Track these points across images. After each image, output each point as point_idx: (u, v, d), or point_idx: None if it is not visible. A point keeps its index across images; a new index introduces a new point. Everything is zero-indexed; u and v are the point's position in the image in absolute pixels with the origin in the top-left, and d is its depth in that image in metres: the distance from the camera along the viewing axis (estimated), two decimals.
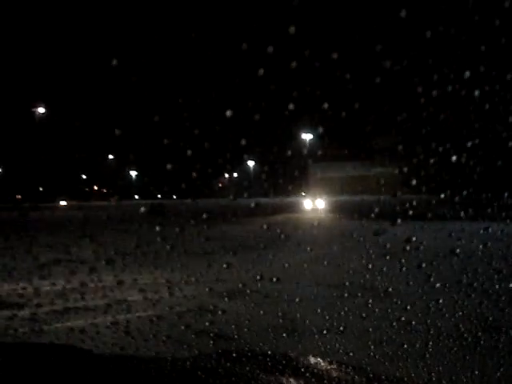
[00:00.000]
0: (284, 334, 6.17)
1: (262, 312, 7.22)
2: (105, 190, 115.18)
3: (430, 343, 5.50)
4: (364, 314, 6.81)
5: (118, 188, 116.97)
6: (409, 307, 6.98)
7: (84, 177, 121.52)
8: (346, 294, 8.19)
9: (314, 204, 38.64)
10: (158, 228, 20.48)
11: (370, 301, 7.65)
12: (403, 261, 9.01)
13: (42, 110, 72.41)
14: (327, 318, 6.81)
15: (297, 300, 7.77)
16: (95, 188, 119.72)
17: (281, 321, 6.76)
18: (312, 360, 2.01)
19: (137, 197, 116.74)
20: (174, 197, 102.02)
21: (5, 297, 8.46)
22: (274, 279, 9.16)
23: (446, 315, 6.42)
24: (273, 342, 5.85)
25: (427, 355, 5.17)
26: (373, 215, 11.54)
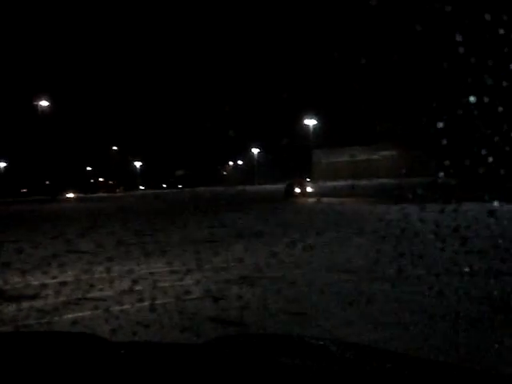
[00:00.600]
0: (294, 318, 6.22)
1: (271, 297, 7.27)
2: (110, 182, 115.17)
3: None
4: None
5: (123, 179, 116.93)
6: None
7: (89, 169, 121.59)
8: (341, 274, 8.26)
9: (302, 189, 39.08)
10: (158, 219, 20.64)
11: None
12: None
13: (44, 102, 72.25)
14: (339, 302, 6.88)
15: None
16: (101, 179, 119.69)
17: (290, 305, 6.80)
18: (319, 341, 2.04)
19: (142, 187, 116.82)
20: (180, 186, 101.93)
21: (17, 288, 8.52)
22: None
23: None
24: (283, 327, 5.90)
25: None
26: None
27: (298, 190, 39.84)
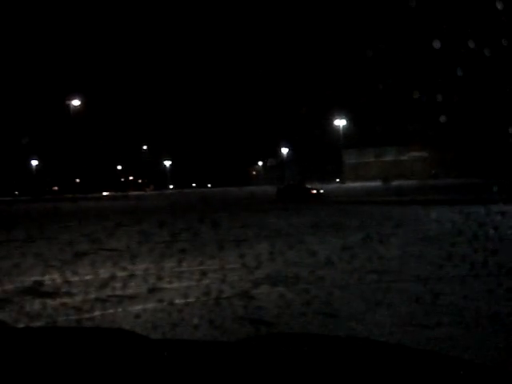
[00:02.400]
0: (323, 319, 6.21)
1: (300, 297, 7.26)
2: (140, 180, 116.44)
3: None
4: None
5: (152, 178, 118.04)
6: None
7: (119, 167, 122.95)
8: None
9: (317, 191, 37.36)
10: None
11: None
12: None
13: (76, 102, 73.06)
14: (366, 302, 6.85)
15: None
16: (131, 178, 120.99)
17: (320, 305, 6.79)
18: (353, 341, 2.05)
19: (171, 186, 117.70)
20: (209, 185, 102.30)
21: (52, 284, 8.63)
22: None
23: None
24: (312, 327, 5.89)
25: None
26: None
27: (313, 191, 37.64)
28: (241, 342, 1.96)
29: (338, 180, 75.15)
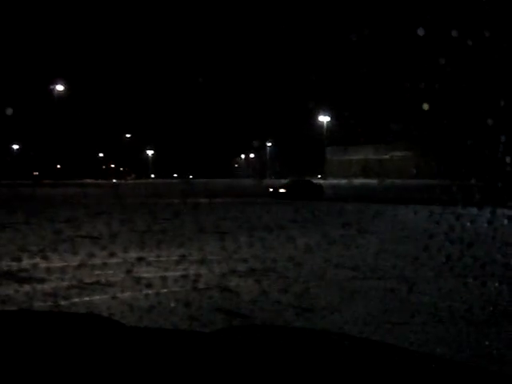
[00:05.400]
0: (297, 312, 6.24)
1: (276, 290, 7.30)
2: (121, 169, 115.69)
3: None
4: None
5: (134, 167, 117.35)
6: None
7: (101, 155, 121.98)
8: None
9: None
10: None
11: None
12: None
13: (60, 87, 72.36)
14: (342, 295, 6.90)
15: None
16: (112, 166, 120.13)
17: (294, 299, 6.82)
18: (319, 333, 2.06)
19: (153, 175, 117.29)
20: (190, 176, 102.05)
21: (29, 270, 8.59)
22: None
23: None
24: (286, 320, 5.93)
25: None
26: None
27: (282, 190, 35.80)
28: (217, 332, 1.97)
29: (319, 176, 75.30)
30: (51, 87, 71.65)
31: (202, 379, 1.35)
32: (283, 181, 40.83)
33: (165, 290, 7.12)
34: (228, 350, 1.62)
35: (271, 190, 37.07)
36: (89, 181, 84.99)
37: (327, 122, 73.05)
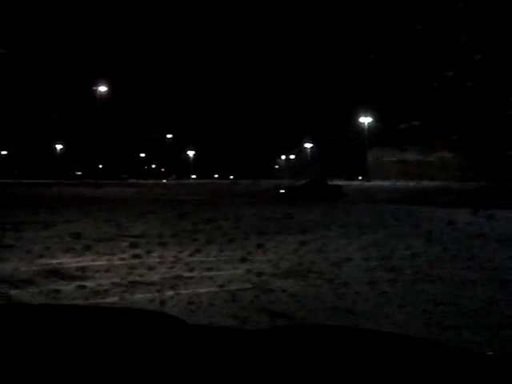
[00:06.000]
0: (339, 312, 6.19)
1: (317, 291, 7.25)
2: (163, 169, 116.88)
3: None
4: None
5: (176, 167, 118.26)
6: None
7: (143, 155, 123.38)
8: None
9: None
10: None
11: None
12: None
13: (103, 88, 73.37)
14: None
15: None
16: (153, 166, 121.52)
17: (336, 299, 6.77)
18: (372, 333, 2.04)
19: (194, 176, 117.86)
20: (231, 177, 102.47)
21: (68, 269, 8.69)
22: None
23: None
24: (328, 320, 5.88)
25: None
26: None
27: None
28: (269, 330, 1.96)
29: (360, 178, 74.81)
30: (94, 88, 72.71)
31: (257, 377, 1.35)
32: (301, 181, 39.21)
33: None
34: (287, 348, 1.62)
35: (282, 190, 35.31)
36: (131, 181, 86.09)
37: (368, 122, 72.53)
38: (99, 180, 68.86)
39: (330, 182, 38.79)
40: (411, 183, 45.18)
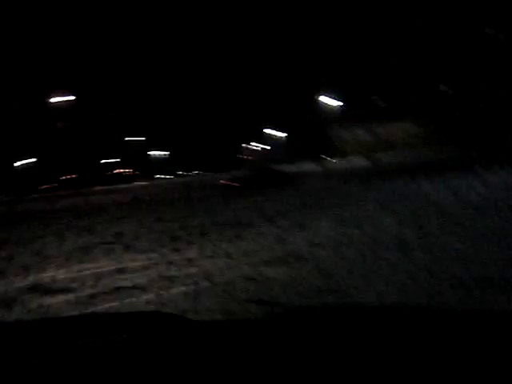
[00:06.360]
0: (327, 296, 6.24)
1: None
2: (131, 172, 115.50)
3: None
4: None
5: (142, 169, 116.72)
6: None
7: (110, 161, 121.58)
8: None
9: None
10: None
11: None
12: None
13: (69, 97, 71.59)
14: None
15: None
16: (121, 170, 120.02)
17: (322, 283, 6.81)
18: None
19: (157, 176, 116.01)
20: (196, 172, 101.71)
21: (54, 281, 8.61)
22: None
23: None
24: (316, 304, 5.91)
25: None
26: None
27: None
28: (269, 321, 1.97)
29: (324, 157, 74.98)
30: (53, 96, 71.09)
31: (264, 371, 1.38)
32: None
33: None
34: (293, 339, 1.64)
35: (223, 181, 34.23)
36: (103, 187, 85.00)
37: (330, 103, 72.69)
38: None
39: (277, 169, 36.96)
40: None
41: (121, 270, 8.75)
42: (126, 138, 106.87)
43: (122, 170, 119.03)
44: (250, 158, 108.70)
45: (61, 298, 7.31)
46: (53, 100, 70.43)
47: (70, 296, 7.38)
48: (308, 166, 48.90)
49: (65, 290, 7.75)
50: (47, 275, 8.94)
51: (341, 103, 69.62)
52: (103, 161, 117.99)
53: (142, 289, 7.38)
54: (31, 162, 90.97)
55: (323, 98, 72.73)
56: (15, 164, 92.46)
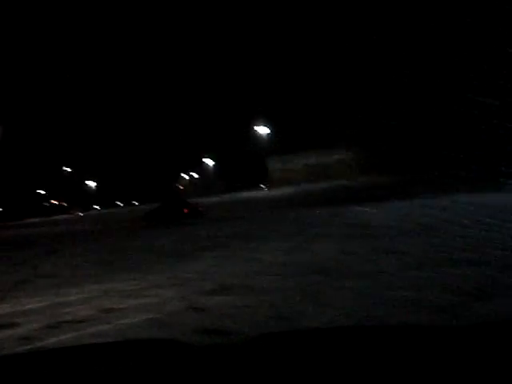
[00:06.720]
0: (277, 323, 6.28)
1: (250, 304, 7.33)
2: (65, 204, 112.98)
3: None
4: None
5: (76, 200, 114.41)
6: None
7: (42, 192, 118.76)
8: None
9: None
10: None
11: None
12: None
13: None
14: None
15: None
16: (54, 202, 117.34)
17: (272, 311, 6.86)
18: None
19: (97, 207, 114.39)
20: (136, 203, 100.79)
21: None
22: None
23: None
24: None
25: None
26: None
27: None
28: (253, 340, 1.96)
29: (263, 187, 75.42)
30: None
31: None
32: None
33: None
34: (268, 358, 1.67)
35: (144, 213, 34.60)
36: (34, 220, 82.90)
37: (266, 133, 73.32)
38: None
39: (189, 201, 36.69)
40: (308, 186, 46.30)
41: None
42: (62, 168, 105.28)
43: (54, 201, 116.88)
44: (182, 187, 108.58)
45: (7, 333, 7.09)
46: None
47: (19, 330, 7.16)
48: (237, 195, 49.64)
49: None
50: None
51: (275, 132, 70.59)
52: (36, 191, 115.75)
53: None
54: None
55: (258, 128, 73.48)
56: None
